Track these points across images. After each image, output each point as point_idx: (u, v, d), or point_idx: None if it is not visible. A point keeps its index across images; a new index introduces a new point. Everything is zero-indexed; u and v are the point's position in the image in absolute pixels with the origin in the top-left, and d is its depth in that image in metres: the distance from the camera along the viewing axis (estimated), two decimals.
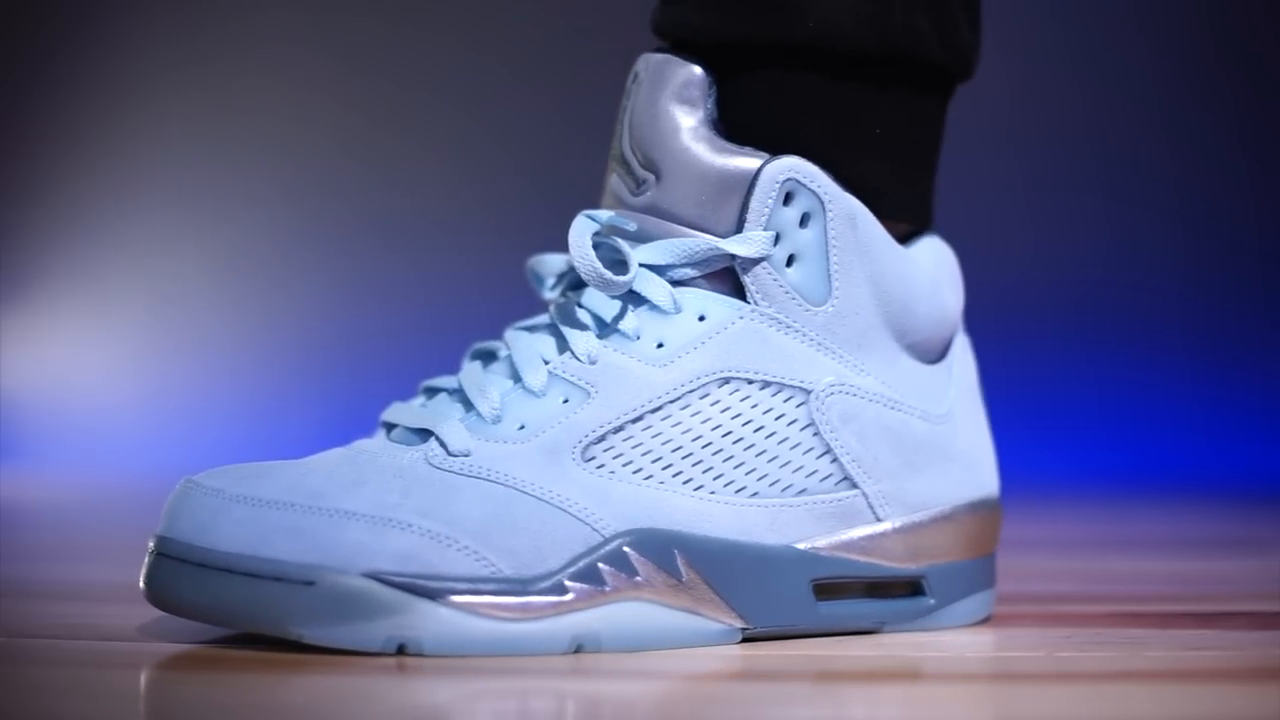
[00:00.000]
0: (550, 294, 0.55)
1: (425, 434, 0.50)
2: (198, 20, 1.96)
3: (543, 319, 0.54)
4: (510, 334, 0.53)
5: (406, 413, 0.52)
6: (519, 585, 0.48)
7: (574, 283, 0.54)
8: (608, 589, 0.49)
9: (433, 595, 0.47)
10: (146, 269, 1.97)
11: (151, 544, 0.48)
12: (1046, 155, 1.76)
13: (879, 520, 0.54)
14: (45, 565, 0.79)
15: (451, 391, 0.52)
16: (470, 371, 0.52)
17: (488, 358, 0.53)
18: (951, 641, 0.53)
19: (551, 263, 0.55)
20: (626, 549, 0.49)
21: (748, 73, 0.54)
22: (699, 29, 0.55)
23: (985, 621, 0.56)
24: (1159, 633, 0.54)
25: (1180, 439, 1.65)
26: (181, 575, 0.47)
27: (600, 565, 0.48)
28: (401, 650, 0.46)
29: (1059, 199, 1.76)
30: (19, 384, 1.91)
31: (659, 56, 0.54)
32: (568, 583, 0.48)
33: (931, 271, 0.56)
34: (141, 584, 0.49)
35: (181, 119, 1.96)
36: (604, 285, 0.51)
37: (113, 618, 0.55)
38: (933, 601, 0.55)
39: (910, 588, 0.54)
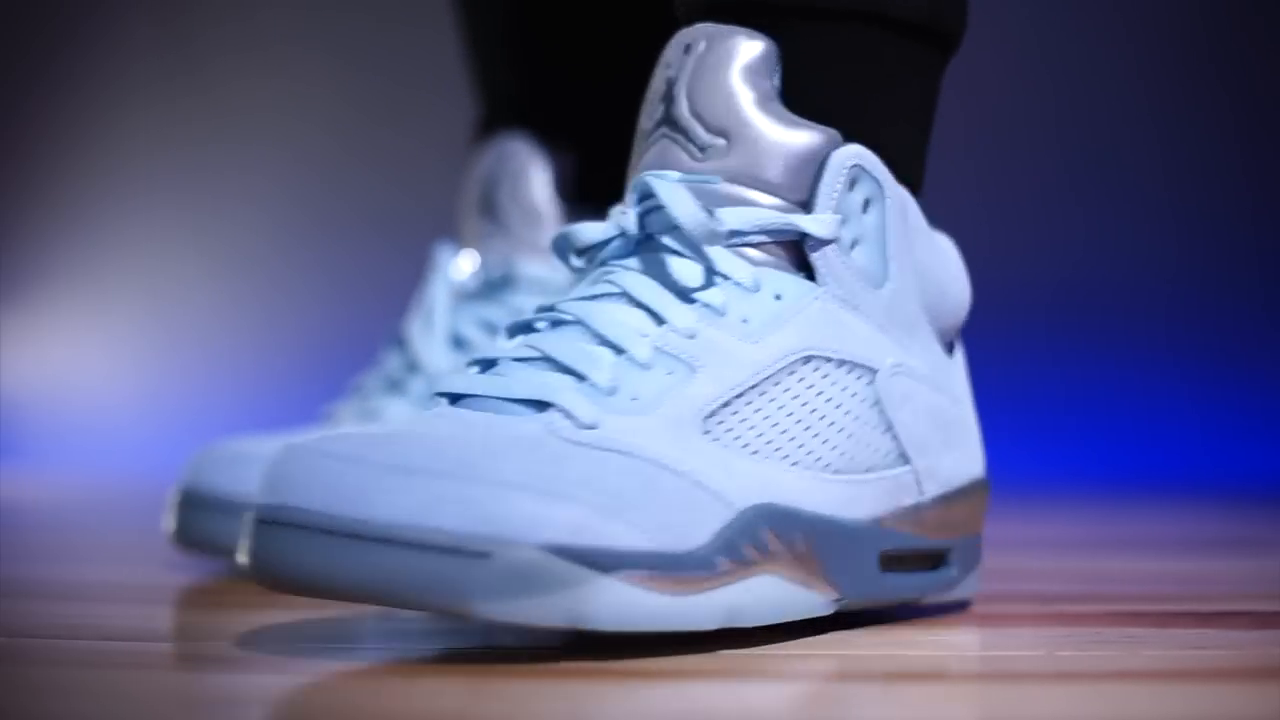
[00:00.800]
0: (578, 263, 0.55)
1: (535, 405, 0.48)
2: (198, 20, 1.96)
3: (600, 289, 0.52)
4: (574, 305, 0.51)
5: (503, 382, 0.49)
6: (675, 560, 0.47)
7: (615, 254, 0.53)
8: (747, 562, 0.49)
9: (605, 569, 0.45)
10: (146, 269, 1.97)
11: (262, 514, 0.45)
12: (1043, 156, 1.76)
13: (922, 495, 0.56)
14: (45, 565, 0.79)
15: (532, 360, 0.50)
16: (559, 340, 0.50)
17: (530, 329, 0.52)
18: (951, 641, 0.53)
19: (586, 232, 0.54)
20: (758, 522, 0.49)
21: (806, 42, 0.55)
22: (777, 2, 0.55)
23: (985, 621, 0.57)
24: (1158, 632, 0.54)
25: (1179, 439, 1.65)
26: (321, 548, 0.44)
27: (739, 539, 0.48)
28: (575, 625, 0.45)
29: (1058, 198, 1.76)
30: (19, 384, 1.91)
31: (720, 27, 0.54)
32: (715, 557, 0.48)
33: (957, 259, 0.59)
34: (246, 558, 0.45)
35: (181, 119, 1.96)
36: (708, 236, 0.51)
37: (113, 618, 0.55)
38: (955, 573, 0.57)
39: (940, 560, 0.57)
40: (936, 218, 0.64)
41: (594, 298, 0.52)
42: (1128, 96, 1.76)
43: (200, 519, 0.69)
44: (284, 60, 1.95)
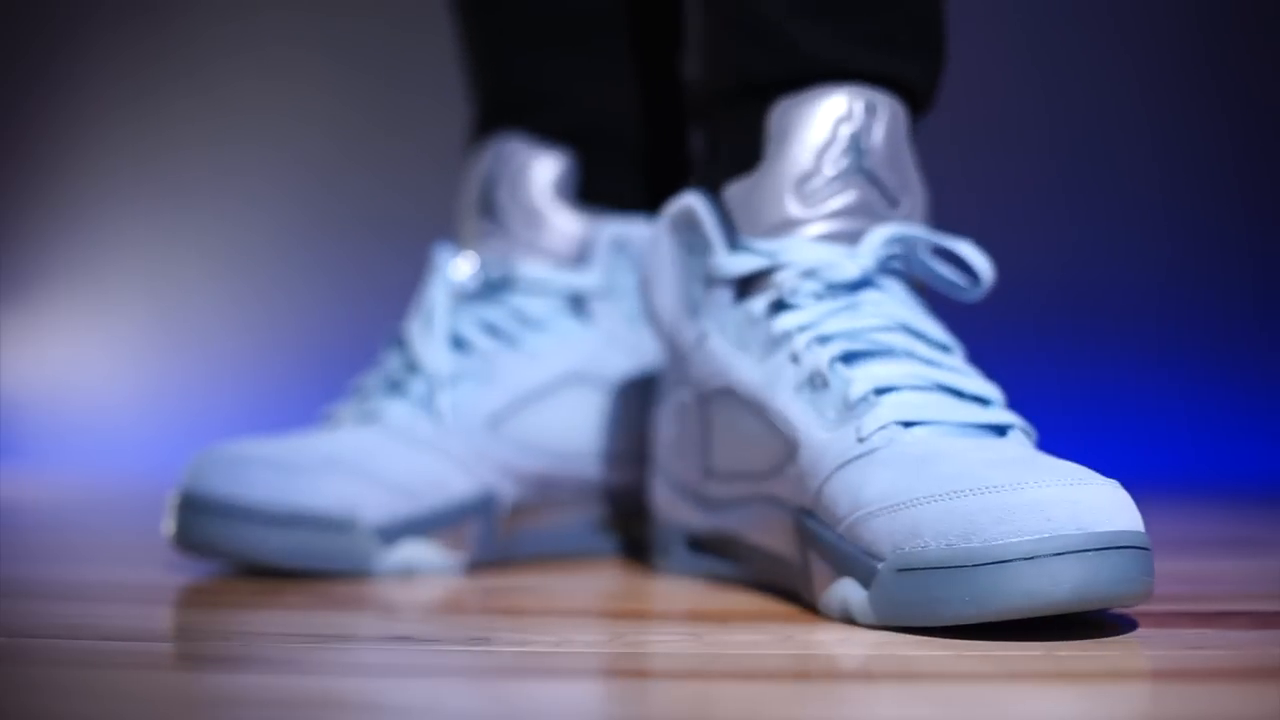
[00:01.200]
0: (793, 297, 0.62)
1: (994, 429, 0.57)
2: (198, 20, 1.96)
3: (872, 320, 0.60)
4: (879, 336, 0.59)
5: (964, 412, 0.57)
6: None
7: (848, 289, 0.61)
8: None
9: None
10: (146, 269, 1.97)
11: (904, 562, 0.52)
12: (1035, 157, 1.76)
13: None
14: (45, 565, 0.79)
15: (924, 388, 0.57)
16: (921, 369, 0.58)
17: (873, 354, 0.59)
18: (951, 641, 0.53)
19: (841, 271, 0.61)
20: None
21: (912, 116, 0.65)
22: (907, 81, 0.64)
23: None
24: (1159, 632, 0.54)
25: (1177, 439, 1.65)
26: (1013, 574, 0.51)
27: None
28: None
29: (1053, 200, 1.76)
30: (19, 384, 1.91)
31: (884, 93, 0.63)
32: None
33: None
34: (878, 611, 0.53)
35: (182, 119, 1.96)
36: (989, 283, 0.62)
37: (113, 618, 0.55)
38: None
39: None
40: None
41: (882, 328, 0.59)
42: (1122, 97, 1.76)
43: (200, 522, 0.68)
44: (284, 62, 1.95)
